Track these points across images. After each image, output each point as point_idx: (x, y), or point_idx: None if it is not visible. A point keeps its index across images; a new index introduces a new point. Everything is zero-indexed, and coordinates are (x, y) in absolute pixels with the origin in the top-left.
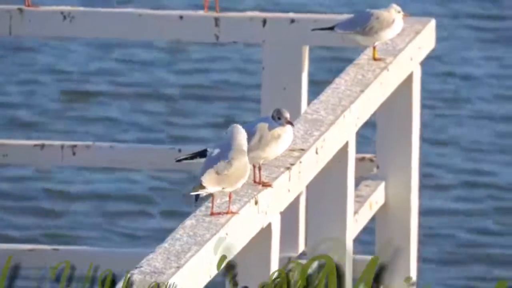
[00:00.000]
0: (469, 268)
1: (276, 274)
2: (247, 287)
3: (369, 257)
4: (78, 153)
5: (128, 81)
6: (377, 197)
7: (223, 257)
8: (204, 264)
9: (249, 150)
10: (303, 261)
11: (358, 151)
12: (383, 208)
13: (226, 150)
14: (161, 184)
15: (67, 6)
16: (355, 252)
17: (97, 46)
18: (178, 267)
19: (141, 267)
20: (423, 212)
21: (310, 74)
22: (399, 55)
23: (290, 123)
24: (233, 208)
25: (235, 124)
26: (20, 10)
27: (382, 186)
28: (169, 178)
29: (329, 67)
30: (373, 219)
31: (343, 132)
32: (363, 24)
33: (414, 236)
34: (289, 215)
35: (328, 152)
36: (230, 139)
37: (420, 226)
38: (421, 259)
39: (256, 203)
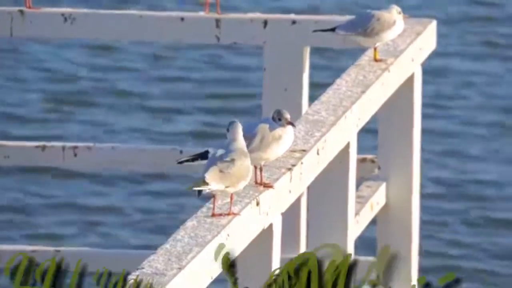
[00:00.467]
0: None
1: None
2: None
3: (369, 258)
4: (79, 154)
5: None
6: (378, 198)
7: (226, 258)
8: (205, 265)
9: (251, 151)
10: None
11: (359, 152)
12: (384, 209)
13: (230, 150)
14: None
15: (67, 8)
16: (356, 253)
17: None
18: (180, 269)
19: (142, 268)
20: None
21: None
22: (400, 56)
23: (292, 123)
24: (235, 209)
25: (234, 121)
26: (21, 11)
27: (383, 187)
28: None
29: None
30: (374, 220)
31: (344, 133)
32: (364, 25)
33: (416, 237)
34: (290, 216)
35: (329, 153)
36: (232, 138)
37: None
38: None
39: (257, 204)
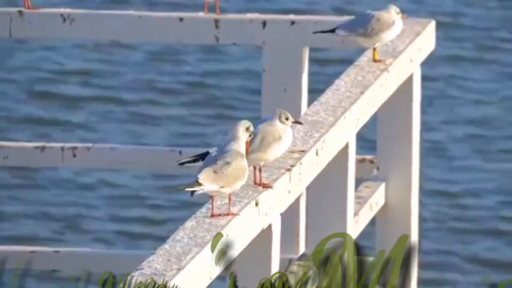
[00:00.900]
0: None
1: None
2: None
3: (369, 258)
4: (79, 155)
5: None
6: (377, 198)
7: (222, 252)
8: (205, 266)
9: (251, 152)
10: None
11: (358, 152)
12: (383, 209)
13: (225, 150)
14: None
15: (66, 8)
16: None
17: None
18: (179, 269)
19: (142, 269)
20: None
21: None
22: (399, 56)
23: (299, 122)
24: (234, 209)
25: (237, 122)
26: (20, 12)
27: (382, 187)
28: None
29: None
30: (373, 220)
31: (343, 133)
32: (364, 26)
33: (415, 237)
34: (289, 217)
35: (328, 153)
36: (230, 137)
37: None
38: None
39: (256, 204)
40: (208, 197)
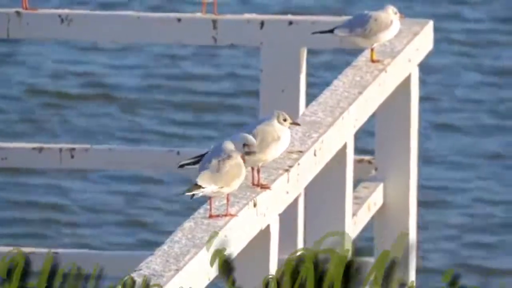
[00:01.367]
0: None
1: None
2: None
3: (368, 259)
4: (77, 156)
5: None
6: (376, 199)
7: (217, 252)
8: (203, 267)
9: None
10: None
11: (356, 152)
12: (382, 210)
13: (220, 150)
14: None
15: (64, 9)
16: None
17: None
18: (177, 270)
19: (140, 269)
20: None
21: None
22: (397, 56)
23: (297, 123)
24: (232, 210)
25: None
26: (18, 13)
27: (380, 187)
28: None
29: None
30: (371, 220)
31: (342, 134)
32: (362, 26)
33: (413, 237)
34: (287, 217)
35: (326, 154)
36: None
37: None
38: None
39: (254, 205)
40: (207, 198)
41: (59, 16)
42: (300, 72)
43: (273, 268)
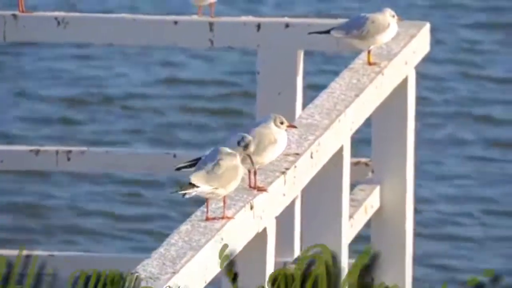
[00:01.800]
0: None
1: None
2: None
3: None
4: (73, 159)
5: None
6: (373, 201)
7: (226, 257)
8: (199, 269)
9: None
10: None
11: (353, 155)
12: (379, 212)
13: (218, 151)
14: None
15: (61, 12)
16: (350, 257)
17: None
18: (174, 273)
19: (136, 272)
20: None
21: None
22: (394, 59)
23: (294, 126)
24: (228, 213)
25: (245, 136)
26: (14, 15)
27: (377, 190)
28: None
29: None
30: (368, 223)
31: (338, 136)
32: (359, 28)
33: (410, 239)
34: (284, 220)
35: (323, 156)
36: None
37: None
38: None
39: (251, 208)
40: (204, 199)
41: (55, 18)
42: (297, 74)
43: (269, 271)
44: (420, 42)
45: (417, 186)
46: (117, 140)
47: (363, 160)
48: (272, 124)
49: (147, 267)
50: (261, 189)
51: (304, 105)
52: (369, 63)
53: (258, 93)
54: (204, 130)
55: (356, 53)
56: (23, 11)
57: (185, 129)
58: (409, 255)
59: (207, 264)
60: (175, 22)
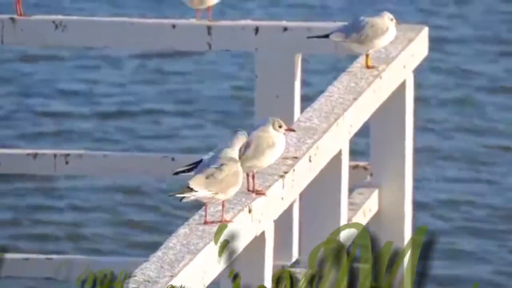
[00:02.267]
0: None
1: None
2: None
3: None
4: (71, 162)
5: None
6: (371, 205)
7: (224, 243)
8: (197, 273)
9: (245, 159)
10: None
11: (351, 158)
12: (377, 216)
13: (218, 157)
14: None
15: (58, 15)
16: None
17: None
18: (172, 276)
19: (135, 276)
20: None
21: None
22: (392, 63)
23: (292, 129)
24: (227, 216)
25: (237, 131)
26: (12, 19)
27: (375, 193)
28: None
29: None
30: (366, 226)
31: (337, 140)
32: (358, 31)
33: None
34: (282, 223)
35: (321, 160)
36: (226, 145)
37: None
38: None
39: (249, 211)
40: (202, 203)
41: (53, 22)
42: (295, 78)
43: (268, 274)
44: (419, 46)
45: (415, 189)
46: (115, 143)
47: (362, 163)
48: (270, 128)
49: (145, 271)
50: (259, 193)
51: (302, 109)
52: (367, 67)
53: (256, 96)
54: (203, 133)
55: (353, 56)
56: (21, 15)
57: (184, 132)
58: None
59: (205, 267)
60: (173, 26)
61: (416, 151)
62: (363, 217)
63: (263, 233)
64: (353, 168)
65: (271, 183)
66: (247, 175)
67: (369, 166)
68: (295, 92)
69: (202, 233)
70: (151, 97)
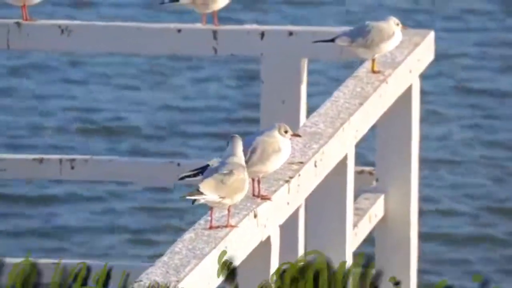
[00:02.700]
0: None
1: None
2: None
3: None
4: (77, 167)
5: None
6: (377, 210)
7: (225, 264)
8: (203, 278)
9: (251, 164)
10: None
11: (357, 164)
12: (383, 221)
13: (227, 162)
14: None
15: (64, 20)
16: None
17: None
18: (178, 281)
19: (140, 281)
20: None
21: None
22: (398, 67)
23: (298, 135)
24: (232, 221)
25: (234, 136)
26: (18, 24)
27: (381, 199)
28: None
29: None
30: (372, 232)
31: (342, 145)
32: (364, 36)
33: (414, 248)
34: (288, 228)
35: (327, 165)
36: (231, 151)
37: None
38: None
39: (255, 216)
40: (209, 208)
41: (59, 27)
42: (301, 83)
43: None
44: (425, 50)
45: (421, 195)
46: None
47: (367, 168)
48: (276, 133)
49: (151, 276)
50: (265, 198)
51: (308, 114)
52: (373, 71)
53: (262, 101)
54: (209, 139)
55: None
56: (26, 19)
57: (191, 138)
58: (414, 264)
59: (210, 272)
60: (179, 30)
61: (422, 156)
62: (368, 223)
63: (268, 238)
64: (358, 173)
65: (276, 188)
66: (253, 180)
67: (374, 171)
68: (301, 97)
69: (208, 238)
70: (156, 102)
